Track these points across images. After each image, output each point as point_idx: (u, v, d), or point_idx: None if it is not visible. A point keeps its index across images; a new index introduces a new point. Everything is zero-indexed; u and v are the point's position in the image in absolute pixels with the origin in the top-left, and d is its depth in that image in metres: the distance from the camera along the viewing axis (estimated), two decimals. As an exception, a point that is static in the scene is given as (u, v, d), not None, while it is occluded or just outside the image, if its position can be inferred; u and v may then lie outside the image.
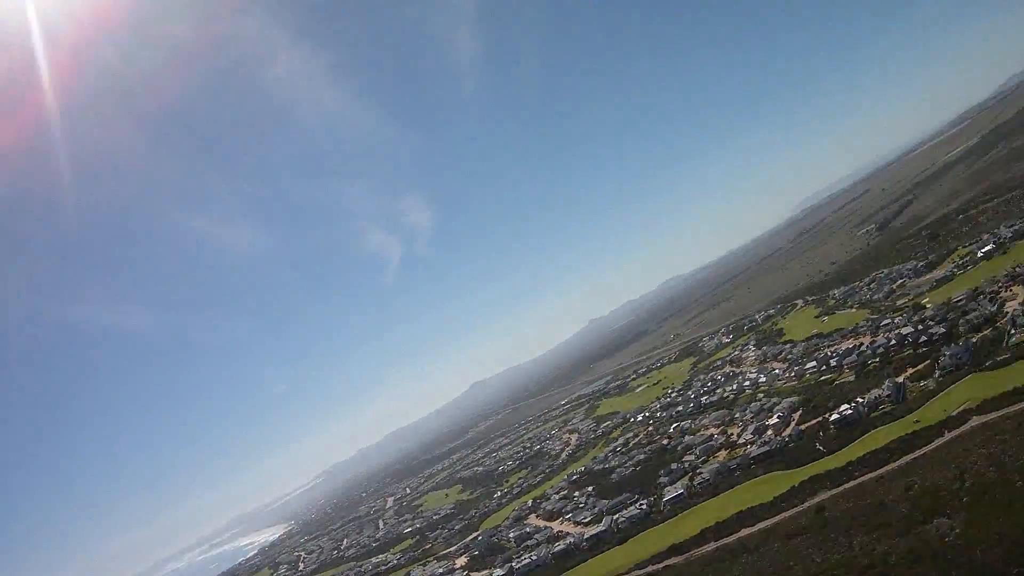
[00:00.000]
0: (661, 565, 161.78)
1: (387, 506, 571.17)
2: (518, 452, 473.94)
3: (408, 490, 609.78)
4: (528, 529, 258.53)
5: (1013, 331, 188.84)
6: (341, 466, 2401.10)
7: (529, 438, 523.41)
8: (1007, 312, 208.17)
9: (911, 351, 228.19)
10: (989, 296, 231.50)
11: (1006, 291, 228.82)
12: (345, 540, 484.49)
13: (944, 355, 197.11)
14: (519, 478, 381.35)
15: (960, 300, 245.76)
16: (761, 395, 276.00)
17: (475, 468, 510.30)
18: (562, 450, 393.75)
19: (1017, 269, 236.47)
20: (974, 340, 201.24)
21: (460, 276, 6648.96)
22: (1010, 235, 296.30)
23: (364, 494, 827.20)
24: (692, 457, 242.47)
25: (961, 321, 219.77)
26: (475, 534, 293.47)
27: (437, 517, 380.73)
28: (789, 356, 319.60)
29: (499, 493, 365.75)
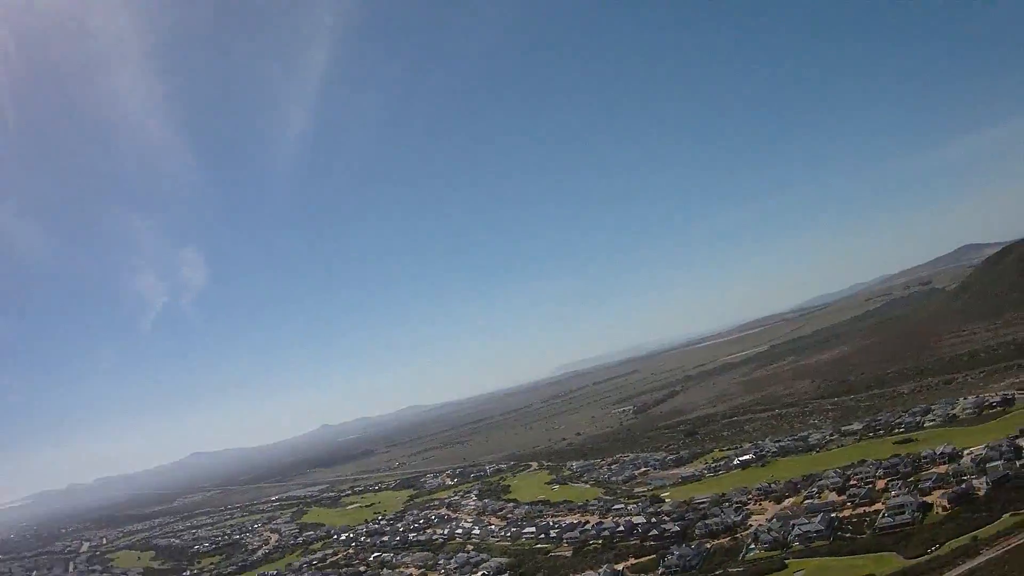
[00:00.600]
0: None
1: (81, 549, 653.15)
2: (217, 536, 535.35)
3: (105, 540, 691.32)
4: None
5: (753, 546, 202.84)
6: (51, 494, 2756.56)
7: (232, 525, 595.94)
8: (751, 525, 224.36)
9: (638, 541, 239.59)
10: (736, 505, 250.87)
11: (755, 504, 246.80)
12: (34, 573, 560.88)
13: (672, 554, 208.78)
14: (211, 563, 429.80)
15: (703, 503, 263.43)
16: (471, 548, 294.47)
17: (172, 539, 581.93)
18: (260, 547, 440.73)
19: (772, 485, 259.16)
20: (708, 546, 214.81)
21: (215, 342, 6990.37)
22: (775, 450, 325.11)
23: (64, 530, 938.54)
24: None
25: (699, 524, 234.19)
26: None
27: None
28: (509, 516, 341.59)
29: (188, 573, 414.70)
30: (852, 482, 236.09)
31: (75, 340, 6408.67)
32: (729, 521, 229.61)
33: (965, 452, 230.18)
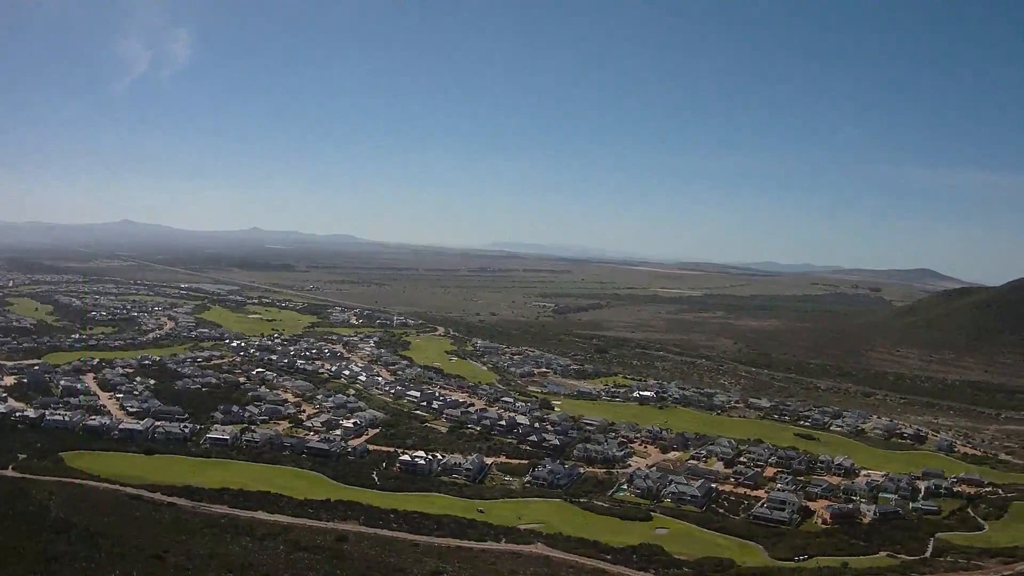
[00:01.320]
0: (167, 500, 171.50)
1: None
2: (117, 308, 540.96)
3: (12, 283, 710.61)
4: (78, 386, 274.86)
5: (625, 486, 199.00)
6: None
7: (134, 301, 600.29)
8: (630, 465, 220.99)
9: (514, 441, 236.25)
10: (621, 440, 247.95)
11: (641, 446, 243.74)
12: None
13: (543, 466, 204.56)
14: (102, 332, 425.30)
15: (591, 425, 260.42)
16: (352, 392, 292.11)
17: (74, 299, 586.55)
18: (153, 330, 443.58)
19: (664, 432, 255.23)
20: (582, 470, 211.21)
21: (181, 119, 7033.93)
22: (677, 396, 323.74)
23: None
24: (255, 411, 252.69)
25: (580, 445, 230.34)
26: (34, 361, 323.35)
27: (16, 324, 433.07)
28: (399, 373, 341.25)
29: (78, 335, 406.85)
30: (742, 459, 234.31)
31: (44, 80, 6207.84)
32: (610, 453, 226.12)
33: (862, 472, 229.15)
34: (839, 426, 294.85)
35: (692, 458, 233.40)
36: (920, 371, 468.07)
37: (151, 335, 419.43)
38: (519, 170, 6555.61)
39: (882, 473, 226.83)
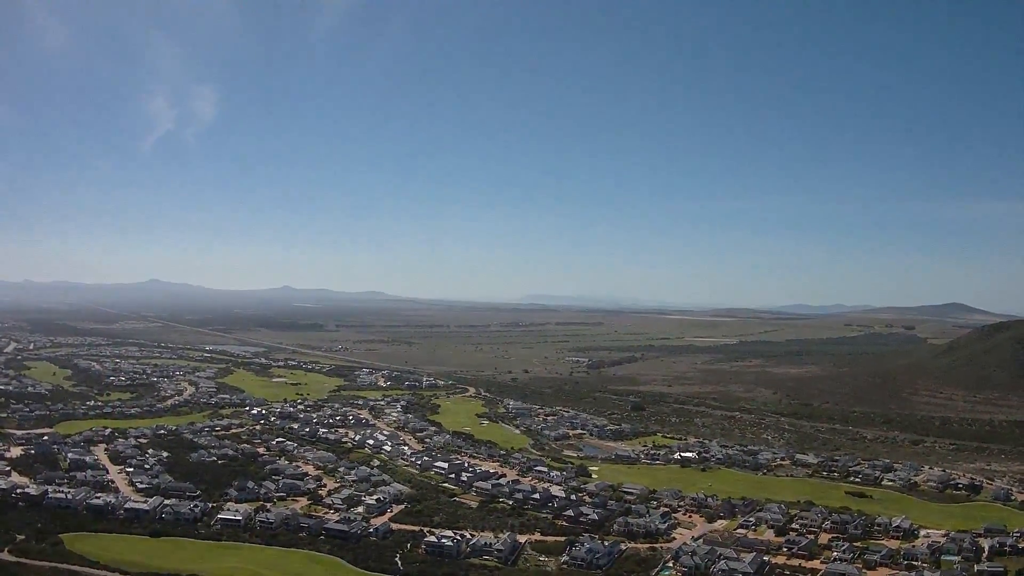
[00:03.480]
0: None
1: (6, 349, 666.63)
2: (137, 372, 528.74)
3: (32, 346, 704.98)
4: (87, 459, 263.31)
5: (671, 565, 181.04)
6: (5, 285, 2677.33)
7: (156, 364, 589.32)
8: (674, 539, 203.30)
9: (550, 516, 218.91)
10: (664, 509, 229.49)
11: (685, 515, 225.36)
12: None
13: (582, 544, 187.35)
14: (119, 399, 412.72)
15: (631, 494, 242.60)
16: (377, 464, 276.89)
17: (94, 363, 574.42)
18: (172, 397, 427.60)
19: (709, 500, 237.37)
20: (623, 547, 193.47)
21: (207, 178, 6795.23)
22: (720, 456, 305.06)
23: (3, 324, 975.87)
24: (272, 486, 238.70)
25: (620, 518, 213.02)
26: (44, 431, 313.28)
27: (31, 389, 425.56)
28: (427, 441, 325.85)
29: (93, 402, 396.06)
30: (794, 525, 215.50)
31: (68, 142, 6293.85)
32: (653, 526, 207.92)
33: (922, 532, 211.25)
34: (891, 480, 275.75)
35: (740, 527, 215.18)
36: (966, 413, 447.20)
37: (170, 401, 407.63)
38: (550, 222, 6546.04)
39: (942, 532, 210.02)
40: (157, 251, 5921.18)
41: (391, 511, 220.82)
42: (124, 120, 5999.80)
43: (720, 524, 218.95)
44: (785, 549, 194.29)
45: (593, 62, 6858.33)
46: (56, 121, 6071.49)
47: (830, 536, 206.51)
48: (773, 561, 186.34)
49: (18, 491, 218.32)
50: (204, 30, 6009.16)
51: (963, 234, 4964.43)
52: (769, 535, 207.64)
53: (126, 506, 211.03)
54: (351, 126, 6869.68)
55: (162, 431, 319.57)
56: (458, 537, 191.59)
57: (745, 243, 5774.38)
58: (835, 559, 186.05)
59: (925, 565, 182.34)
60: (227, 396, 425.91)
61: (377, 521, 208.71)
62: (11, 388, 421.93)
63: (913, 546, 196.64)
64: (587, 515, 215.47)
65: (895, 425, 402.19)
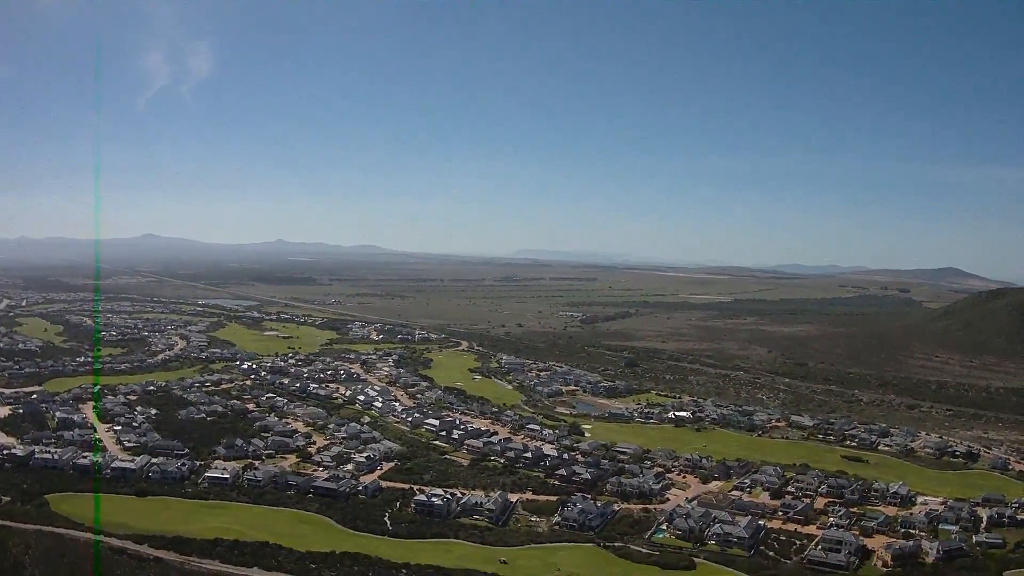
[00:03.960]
0: (153, 554, 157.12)
1: None
2: (128, 327, 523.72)
3: (25, 302, 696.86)
4: (76, 418, 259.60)
5: (664, 527, 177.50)
6: (1, 243, 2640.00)
7: (148, 319, 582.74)
8: (668, 499, 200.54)
9: (542, 475, 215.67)
10: (658, 469, 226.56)
11: (679, 475, 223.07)
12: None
13: (574, 504, 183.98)
14: (109, 354, 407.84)
15: (624, 453, 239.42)
16: (367, 421, 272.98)
17: (85, 318, 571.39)
18: (162, 351, 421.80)
19: (704, 460, 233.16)
20: (616, 508, 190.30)
21: (202, 133, 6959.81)
22: (715, 416, 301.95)
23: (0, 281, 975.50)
24: (261, 444, 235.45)
25: (614, 478, 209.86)
26: (33, 388, 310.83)
27: (21, 346, 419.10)
28: (419, 396, 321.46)
29: (83, 358, 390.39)
30: (790, 489, 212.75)
31: (64, 98, 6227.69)
32: (646, 487, 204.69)
33: (919, 499, 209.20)
34: (888, 445, 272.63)
35: (735, 488, 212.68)
36: (963, 378, 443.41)
37: (160, 356, 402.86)
38: (544, 176, 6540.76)
39: (939, 500, 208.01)
40: (153, 206, 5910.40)
41: (381, 469, 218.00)
42: (120, 76, 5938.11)
43: (715, 486, 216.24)
44: (781, 513, 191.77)
45: (586, 19, 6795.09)
46: (51, 77, 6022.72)
47: (826, 500, 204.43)
48: (768, 525, 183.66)
49: (4, 452, 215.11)
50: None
51: (960, 199, 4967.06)
52: (764, 498, 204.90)
53: (112, 465, 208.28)
54: (346, 80, 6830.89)
55: (152, 387, 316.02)
56: (448, 496, 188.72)
57: (741, 201, 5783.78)
58: (831, 524, 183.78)
59: (923, 534, 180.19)
60: (218, 350, 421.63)
61: (367, 479, 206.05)
62: (2, 345, 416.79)
63: (911, 513, 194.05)
64: (580, 474, 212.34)
65: (891, 388, 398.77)
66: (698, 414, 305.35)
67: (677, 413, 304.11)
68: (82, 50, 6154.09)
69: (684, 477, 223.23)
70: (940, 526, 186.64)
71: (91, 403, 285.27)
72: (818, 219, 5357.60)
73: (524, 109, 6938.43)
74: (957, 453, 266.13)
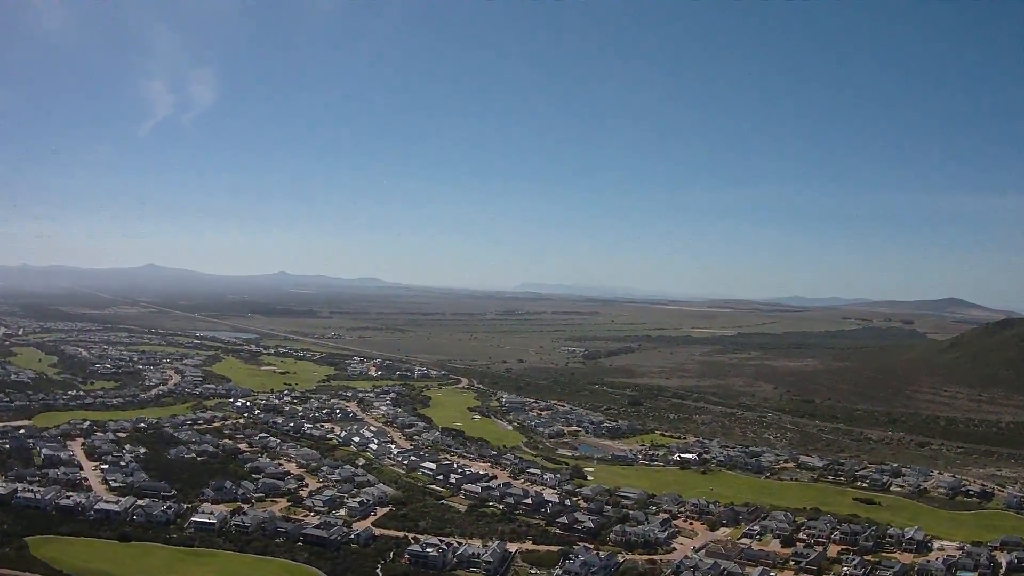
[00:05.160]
0: None
1: None
2: (123, 360, 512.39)
3: (21, 331, 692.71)
4: (63, 455, 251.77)
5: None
6: (2, 270, 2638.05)
7: (144, 351, 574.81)
8: (675, 548, 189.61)
9: (542, 523, 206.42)
10: (664, 515, 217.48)
11: (686, 522, 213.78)
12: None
13: (576, 557, 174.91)
14: (102, 388, 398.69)
15: (628, 498, 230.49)
16: (361, 463, 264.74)
17: (81, 349, 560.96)
18: (156, 386, 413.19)
19: (711, 506, 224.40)
20: (620, 559, 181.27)
21: (205, 163, 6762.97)
22: (721, 458, 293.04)
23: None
24: (251, 487, 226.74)
25: (618, 527, 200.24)
26: (22, 423, 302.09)
27: (13, 377, 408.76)
28: (416, 438, 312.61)
29: (75, 392, 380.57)
30: (801, 535, 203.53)
31: (67, 126, 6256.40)
32: (652, 535, 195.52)
33: (935, 545, 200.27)
34: (900, 486, 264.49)
35: (744, 536, 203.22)
36: (972, 412, 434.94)
37: (154, 391, 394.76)
38: (546, 210, 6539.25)
39: (956, 545, 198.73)
40: (155, 236, 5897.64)
41: (375, 514, 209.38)
42: (122, 105, 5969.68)
43: (723, 533, 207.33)
44: (792, 563, 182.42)
45: (591, 51, 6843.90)
46: (54, 105, 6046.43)
47: (839, 548, 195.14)
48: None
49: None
50: (203, 14, 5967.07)
51: (961, 228, 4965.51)
52: (775, 546, 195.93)
53: (96, 507, 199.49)
54: (349, 112, 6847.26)
55: (142, 424, 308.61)
56: (444, 546, 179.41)
57: (741, 234, 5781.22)
58: (846, 574, 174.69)
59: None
60: (212, 386, 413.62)
61: (359, 525, 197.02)
62: (4, 376, 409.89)
63: (928, 560, 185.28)
64: (582, 522, 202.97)
65: (900, 425, 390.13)
66: (704, 456, 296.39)
67: (682, 455, 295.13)
68: (85, 77, 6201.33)
69: (691, 524, 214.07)
70: (958, 573, 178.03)
71: (80, 440, 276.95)
72: (820, 251, 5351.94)
73: (527, 142, 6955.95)
74: (971, 493, 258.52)
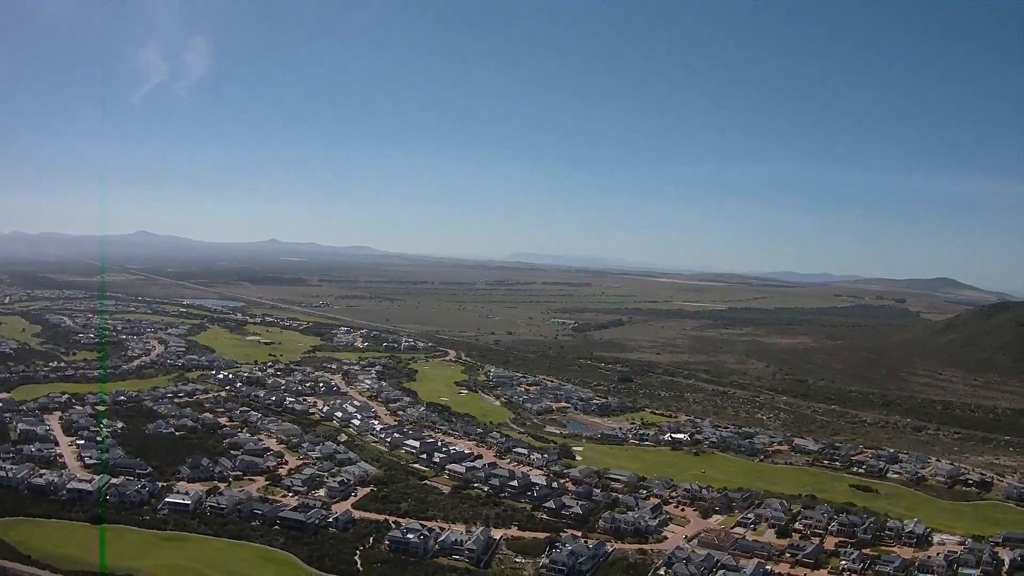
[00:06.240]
0: None
1: None
2: (107, 328, 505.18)
3: (8, 299, 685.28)
4: (39, 431, 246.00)
5: (662, 573, 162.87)
6: None
7: (129, 320, 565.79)
8: (666, 537, 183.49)
9: (528, 506, 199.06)
10: (655, 500, 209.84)
11: (678, 507, 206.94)
12: None
13: (563, 546, 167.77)
14: (84, 359, 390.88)
15: (618, 480, 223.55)
16: (343, 439, 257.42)
17: (66, 318, 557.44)
18: (139, 356, 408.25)
19: (704, 491, 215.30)
20: (609, 548, 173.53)
21: (197, 131, 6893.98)
22: (714, 439, 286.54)
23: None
24: (229, 464, 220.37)
25: (607, 513, 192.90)
26: (0, 395, 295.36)
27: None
28: (400, 413, 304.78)
29: (56, 363, 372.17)
30: (797, 525, 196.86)
31: (60, 90, 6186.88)
32: (642, 523, 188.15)
33: (936, 538, 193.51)
34: (897, 472, 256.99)
35: (738, 524, 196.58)
36: (968, 397, 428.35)
37: (136, 362, 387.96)
38: (540, 180, 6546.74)
39: (957, 540, 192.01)
40: (147, 203, 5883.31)
41: (355, 495, 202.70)
42: (115, 72, 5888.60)
43: (716, 520, 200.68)
44: (788, 555, 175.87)
45: (583, 23, 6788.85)
46: (46, 72, 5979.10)
47: (837, 540, 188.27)
48: (775, 569, 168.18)
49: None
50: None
51: (955, 209, 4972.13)
52: (770, 536, 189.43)
53: (68, 486, 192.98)
54: (342, 80, 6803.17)
55: (122, 397, 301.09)
56: (425, 532, 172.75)
57: (734, 208, 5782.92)
58: (843, 569, 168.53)
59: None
60: (196, 357, 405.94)
61: (339, 508, 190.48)
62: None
63: (928, 556, 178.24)
64: (570, 508, 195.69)
65: (895, 408, 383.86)
66: (696, 436, 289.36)
67: (674, 435, 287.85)
68: (79, 45, 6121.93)
69: (683, 510, 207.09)
70: (960, 570, 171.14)
71: (57, 413, 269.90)
72: (812, 227, 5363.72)
73: (520, 112, 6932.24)
74: (970, 482, 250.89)
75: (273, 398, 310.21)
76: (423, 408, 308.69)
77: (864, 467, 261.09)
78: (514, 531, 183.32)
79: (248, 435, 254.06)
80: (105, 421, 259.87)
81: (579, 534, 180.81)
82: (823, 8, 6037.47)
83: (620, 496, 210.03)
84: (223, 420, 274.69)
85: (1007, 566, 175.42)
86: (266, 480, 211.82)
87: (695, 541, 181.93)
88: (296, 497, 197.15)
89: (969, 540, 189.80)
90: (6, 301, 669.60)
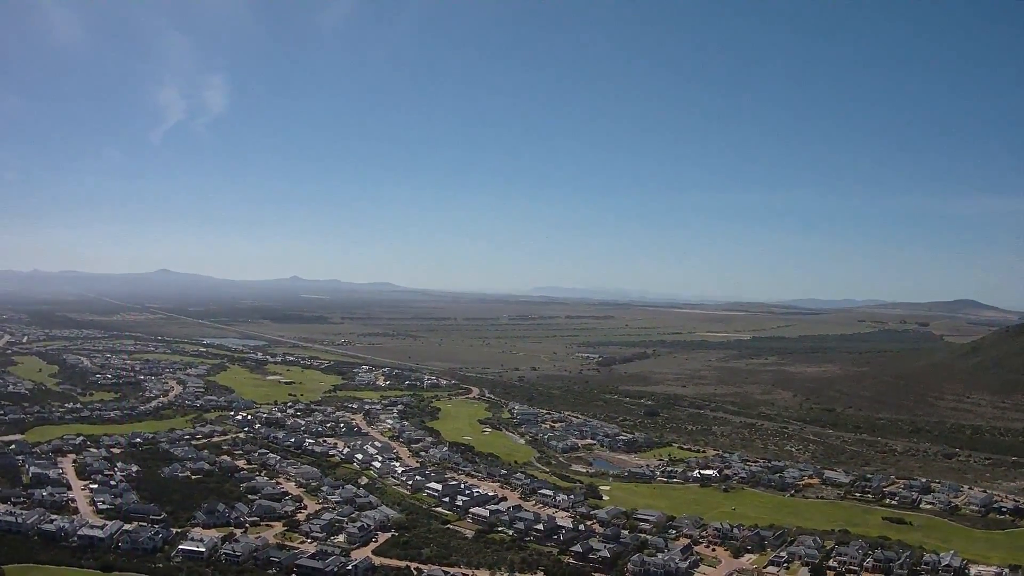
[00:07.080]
0: None
1: None
2: (125, 369, 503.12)
3: (26, 339, 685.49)
4: (51, 474, 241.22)
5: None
6: (14, 275, 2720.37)
7: (147, 360, 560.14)
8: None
9: (554, 550, 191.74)
10: (684, 541, 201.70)
11: (708, 548, 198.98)
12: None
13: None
14: (100, 400, 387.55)
15: (647, 521, 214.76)
16: (364, 483, 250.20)
17: (84, 358, 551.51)
18: (157, 397, 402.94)
19: (735, 530, 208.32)
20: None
21: (218, 168, 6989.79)
22: (743, 474, 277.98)
23: (1, 316, 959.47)
24: (245, 509, 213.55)
25: (635, 556, 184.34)
26: (14, 438, 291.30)
27: (11, 389, 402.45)
28: (422, 454, 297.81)
29: (72, 404, 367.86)
30: (832, 563, 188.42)
31: (80, 132, 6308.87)
32: (672, 566, 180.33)
33: (972, 571, 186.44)
34: (930, 503, 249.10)
35: (771, 563, 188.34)
36: (997, 421, 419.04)
37: (154, 403, 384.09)
38: (560, 213, 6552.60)
39: (994, 570, 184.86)
40: (168, 241, 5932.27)
41: (376, 540, 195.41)
42: (135, 110, 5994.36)
43: (747, 560, 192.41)
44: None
45: (605, 54, 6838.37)
46: (67, 112, 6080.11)
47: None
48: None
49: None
50: (215, 20, 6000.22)
51: (974, 230, 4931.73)
52: (803, 575, 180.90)
53: (79, 532, 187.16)
54: (361, 116, 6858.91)
55: (138, 439, 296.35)
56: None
57: (754, 236, 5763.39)
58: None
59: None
60: (214, 398, 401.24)
61: (359, 554, 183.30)
62: (2, 387, 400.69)
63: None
64: (597, 551, 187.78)
65: (924, 435, 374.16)
66: (725, 471, 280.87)
67: (702, 471, 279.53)
68: (98, 83, 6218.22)
69: (713, 550, 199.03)
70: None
71: (71, 456, 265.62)
72: (833, 253, 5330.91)
73: (540, 145, 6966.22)
74: (1003, 509, 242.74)
75: (292, 439, 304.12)
76: (446, 448, 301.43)
77: (897, 498, 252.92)
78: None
79: (266, 479, 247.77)
80: (120, 464, 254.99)
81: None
82: (844, 33, 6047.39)
83: (649, 537, 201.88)
84: (241, 463, 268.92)
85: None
86: (284, 526, 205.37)
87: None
88: (314, 544, 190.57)
89: (1006, 570, 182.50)
90: (24, 341, 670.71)
